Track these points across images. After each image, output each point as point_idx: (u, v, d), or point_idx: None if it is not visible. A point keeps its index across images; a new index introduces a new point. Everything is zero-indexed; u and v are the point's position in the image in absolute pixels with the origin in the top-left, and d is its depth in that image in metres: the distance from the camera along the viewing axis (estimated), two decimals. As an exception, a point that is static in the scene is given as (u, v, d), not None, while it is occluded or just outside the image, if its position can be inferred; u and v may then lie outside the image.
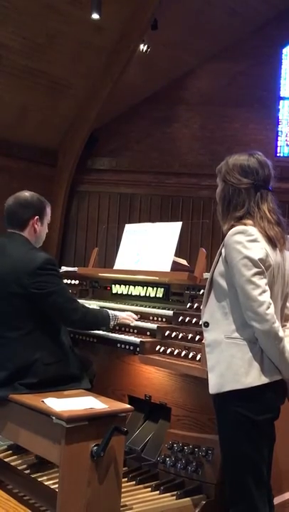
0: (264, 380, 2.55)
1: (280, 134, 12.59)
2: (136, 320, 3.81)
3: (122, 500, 3.10)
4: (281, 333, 2.56)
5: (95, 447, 2.85)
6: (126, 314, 3.76)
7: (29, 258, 3.29)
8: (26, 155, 11.59)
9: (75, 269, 4.72)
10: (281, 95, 12.59)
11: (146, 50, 11.17)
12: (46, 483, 3.43)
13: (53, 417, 2.84)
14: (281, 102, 12.60)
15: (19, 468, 3.69)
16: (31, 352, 3.22)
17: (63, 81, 10.96)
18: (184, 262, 4.22)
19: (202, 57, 12.36)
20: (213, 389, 2.62)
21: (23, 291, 3.23)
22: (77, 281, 4.65)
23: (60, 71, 10.68)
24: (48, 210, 3.59)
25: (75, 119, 11.86)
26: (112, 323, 3.64)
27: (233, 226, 2.66)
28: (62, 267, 4.74)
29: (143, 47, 11.12)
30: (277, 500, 3.00)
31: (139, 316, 3.94)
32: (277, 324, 2.55)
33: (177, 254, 4.05)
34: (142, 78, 12.02)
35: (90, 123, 11.94)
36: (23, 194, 3.52)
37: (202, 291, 3.51)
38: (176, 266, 4.02)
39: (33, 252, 3.36)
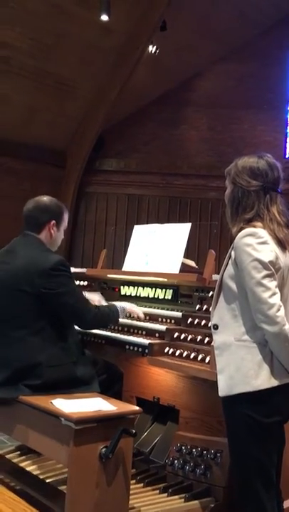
0: (274, 382, 2.55)
1: (288, 135, 12.55)
2: (145, 321, 3.82)
3: (130, 502, 3.10)
4: (291, 336, 2.56)
5: (104, 449, 2.85)
6: (132, 307, 3.79)
7: (42, 259, 3.30)
8: (34, 156, 11.60)
9: (84, 270, 4.72)
10: (289, 97, 12.57)
11: (154, 52, 11.18)
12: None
13: (62, 419, 2.84)
14: (289, 103, 12.58)
15: (28, 469, 3.69)
16: (36, 353, 3.21)
17: (71, 82, 10.97)
18: (192, 263, 4.22)
19: (210, 58, 12.36)
20: (222, 391, 2.62)
21: (34, 291, 3.24)
22: (85, 283, 4.66)
23: (68, 72, 10.69)
24: (66, 217, 3.62)
25: (83, 120, 11.87)
26: (121, 316, 3.66)
27: (242, 228, 2.66)
28: (71, 268, 4.74)
29: (151, 48, 11.12)
30: (287, 503, 2.98)
31: (148, 317, 3.94)
32: (287, 326, 2.54)
33: (185, 255, 4.05)
34: (150, 80, 12.02)
35: (98, 124, 11.95)
36: (42, 199, 3.57)
37: (211, 293, 3.51)
38: (184, 268, 4.01)
39: (46, 254, 3.38)
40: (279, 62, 12.36)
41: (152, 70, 11.66)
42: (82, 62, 10.66)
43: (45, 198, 3.57)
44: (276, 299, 2.52)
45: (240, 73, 12.34)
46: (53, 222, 3.51)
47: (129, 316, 3.95)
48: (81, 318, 3.40)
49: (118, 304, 3.70)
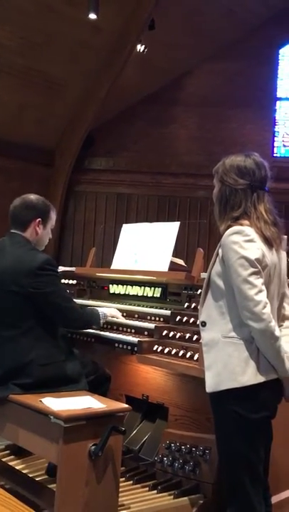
0: (260, 378, 2.57)
1: (276, 134, 12.59)
2: (134, 319, 3.83)
3: (120, 499, 3.12)
4: (277, 332, 2.58)
5: (93, 447, 2.87)
6: (111, 310, 3.82)
7: (29, 258, 3.31)
8: (23, 155, 11.56)
9: (73, 268, 4.73)
10: (278, 96, 12.58)
11: (143, 51, 11.17)
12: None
13: (51, 417, 2.85)
14: (278, 102, 12.59)
15: (17, 467, 3.69)
16: (26, 352, 3.23)
17: (61, 81, 10.95)
18: (181, 262, 4.24)
19: (199, 57, 12.36)
20: (209, 388, 2.64)
21: (21, 291, 3.25)
22: (74, 281, 4.66)
23: (57, 71, 10.66)
24: (52, 215, 3.62)
25: (72, 118, 11.84)
26: (101, 321, 3.70)
27: (230, 226, 2.68)
28: (60, 267, 4.75)
29: (140, 47, 11.11)
30: (274, 499, 3.01)
31: (136, 315, 3.95)
32: (273, 323, 2.56)
33: (174, 254, 4.06)
34: (139, 78, 12.01)
35: (87, 123, 11.93)
36: (28, 196, 3.58)
37: (199, 291, 3.53)
38: (173, 266, 4.03)
39: (32, 253, 3.38)
40: (268, 60, 12.39)
41: (141, 68, 11.65)
42: (71, 61, 10.64)
43: (32, 196, 3.57)
44: (262, 296, 2.54)
45: (229, 72, 12.35)
46: (39, 219, 3.51)
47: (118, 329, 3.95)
48: (67, 317, 3.42)
49: (100, 309, 3.74)
